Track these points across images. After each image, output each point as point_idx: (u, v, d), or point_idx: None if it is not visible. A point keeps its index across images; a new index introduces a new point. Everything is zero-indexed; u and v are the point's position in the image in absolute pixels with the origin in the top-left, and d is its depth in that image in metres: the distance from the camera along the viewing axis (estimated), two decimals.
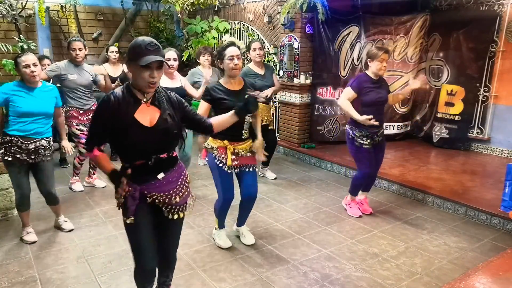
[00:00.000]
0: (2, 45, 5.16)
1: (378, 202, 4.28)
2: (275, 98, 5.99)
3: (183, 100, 2.14)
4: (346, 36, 5.87)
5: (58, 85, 3.83)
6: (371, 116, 3.49)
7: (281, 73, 6.04)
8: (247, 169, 3.08)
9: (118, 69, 5.35)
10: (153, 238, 2.13)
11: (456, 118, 5.88)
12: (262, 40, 6.44)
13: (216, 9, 7.26)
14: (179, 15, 7.14)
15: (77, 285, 2.75)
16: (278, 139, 6.16)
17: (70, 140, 3.92)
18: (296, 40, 5.69)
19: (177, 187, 2.11)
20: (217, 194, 3.15)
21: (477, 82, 5.72)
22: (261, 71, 4.55)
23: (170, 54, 3.91)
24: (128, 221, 2.02)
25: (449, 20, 5.92)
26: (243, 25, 6.90)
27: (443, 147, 6.02)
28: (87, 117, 4.25)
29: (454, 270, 2.97)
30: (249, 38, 6.63)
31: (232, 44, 2.96)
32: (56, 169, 4.65)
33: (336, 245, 3.35)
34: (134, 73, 1.91)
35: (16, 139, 3.10)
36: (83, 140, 4.20)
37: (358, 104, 3.60)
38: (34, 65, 3.06)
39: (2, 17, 5.87)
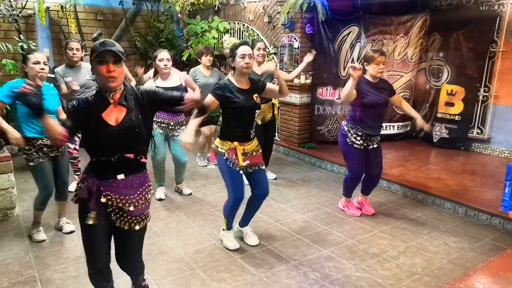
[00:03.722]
0: (2, 45, 5.16)
1: (378, 202, 4.28)
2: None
3: (152, 89, 2.14)
4: (346, 36, 5.87)
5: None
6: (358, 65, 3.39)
7: None
8: (257, 168, 3.10)
9: None
10: (107, 240, 2.13)
11: (456, 118, 5.88)
12: (262, 40, 6.44)
13: (216, 9, 7.26)
14: (179, 15, 7.13)
15: (77, 285, 2.75)
16: (278, 138, 6.17)
17: None
18: (296, 40, 5.69)
19: (135, 195, 2.06)
20: (228, 195, 3.14)
21: (477, 82, 5.72)
22: (259, 71, 4.55)
23: (163, 54, 3.93)
24: (90, 222, 1.99)
25: (449, 20, 5.91)
26: (243, 25, 6.90)
27: (443, 147, 6.02)
28: None
29: (454, 270, 2.98)
30: (249, 38, 6.63)
31: (244, 43, 2.98)
32: None
33: (336, 245, 3.35)
34: (96, 73, 1.96)
35: (41, 140, 3.15)
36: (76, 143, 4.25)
37: (358, 106, 3.60)
38: (44, 63, 3.13)
39: (2, 17, 5.87)
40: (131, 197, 2.05)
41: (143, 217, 2.13)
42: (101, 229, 2.07)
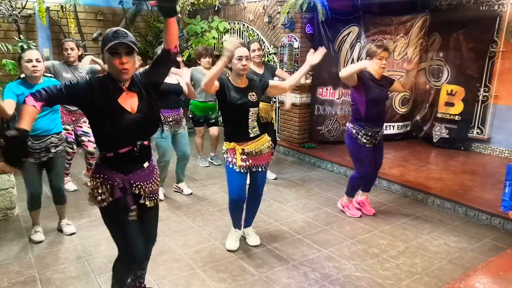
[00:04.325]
0: (2, 45, 5.15)
1: (378, 202, 4.28)
2: (275, 97, 5.99)
3: (146, 69, 2.12)
4: (346, 36, 5.87)
5: None
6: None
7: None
8: (258, 169, 3.09)
9: None
10: (139, 226, 2.18)
11: (456, 118, 5.88)
12: (262, 40, 6.44)
13: (216, 9, 7.27)
14: (179, 15, 7.13)
15: (77, 285, 2.75)
16: (278, 139, 6.17)
17: None
18: (296, 40, 5.69)
19: (154, 177, 2.19)
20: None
21: (477, 82, 5.72)
22: (260, 71, 4.54)
23: None
24: (132, 215, 2.07)
25: (449, 20, 5.92)
26: (243, 25, 6.90)
27: (443, 147, 6.02)
28: (74, 118, 4.27)
29: (454, 270, 2.98)
30: (249, 38, 6.63)
31: (241, 44, 2.97)
32: None
33: (336, 245, 3.35)
34: (108, 63, 1.94)
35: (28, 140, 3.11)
36: (69, 139, 4.21)
37: (362, 102, 3.58)
38: (37, 60, 3.07)
39: (2, 17, 5.87)
40: (152, 179, 2.17)
41: (157, 194, 2.26)
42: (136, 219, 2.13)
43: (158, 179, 2.24)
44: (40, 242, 3.34)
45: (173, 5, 1.81)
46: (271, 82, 3.11)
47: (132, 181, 2.05)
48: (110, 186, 2.01)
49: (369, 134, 3.62)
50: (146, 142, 2.08)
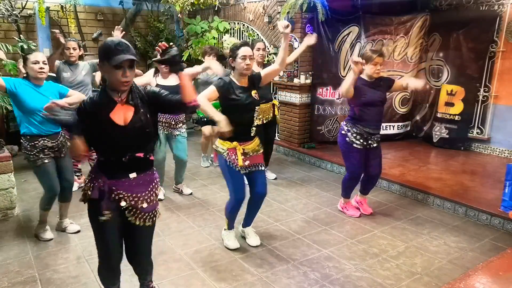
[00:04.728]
0: (2, 45, 5.15)
1: (378, 202, 4.28)
2: (274, 97, 5.99)
3: (156, 90, 2.12)
4: (346, 36, 5.87)
5: None
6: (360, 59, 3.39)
7: (281, 73, 6.03)
8: (257, 168, 3.10)
9: None
10: (120, 237, 2.15)
11: (456, 118, 5.88)
12: (262, 40, 6.44)
13: (216, 9, 7.26)
14: (179, 15, 7.13)
15: (77, 285, 2.75)
16: (278, 138, 6.17)
17: None
18: (296, 40, 5.69)
19: (147, 192, 2.11)
20: (229, 195, 3.15)
21: (477, 82, 5.72)
22: (260, 70, 4.55)
23: None
24: (104, 218, 2.03)
25: (449, 20, 5.92)
26: (243, 25, 6.90)
27: (443, 147, 6.02)
28: None
29: (454, 270, 2.98)
30: (249, 38, 6.63)
31: (245, 44, 2.98)
32: None
33: (336, 245, 3.35)
34: (107, 74, 1.93)
35: (43, 140, 3.16)
36: (67, 136, 4.24)
37: (356, 105, 3.59)
38: (44, 63, 3.12)
39: (2, 17, 5.87)
40: (143, 194, 2.09)
41: (154, 213, 2.17)
42: (114, 227, 2.09)
43: (152, 198, 2.13)
44: (50, 239, 3.36)
45: (177, 62, 2.00)
46: (262, 72, 3.10)
47: (113, 187, 2.02)
48: (92, 185, 2.04)
49: (360, 133, 3.63)
50: (140, 154, 2.04)
